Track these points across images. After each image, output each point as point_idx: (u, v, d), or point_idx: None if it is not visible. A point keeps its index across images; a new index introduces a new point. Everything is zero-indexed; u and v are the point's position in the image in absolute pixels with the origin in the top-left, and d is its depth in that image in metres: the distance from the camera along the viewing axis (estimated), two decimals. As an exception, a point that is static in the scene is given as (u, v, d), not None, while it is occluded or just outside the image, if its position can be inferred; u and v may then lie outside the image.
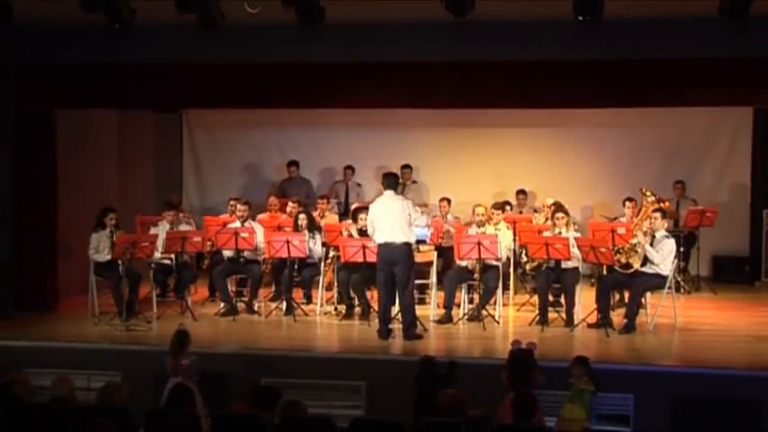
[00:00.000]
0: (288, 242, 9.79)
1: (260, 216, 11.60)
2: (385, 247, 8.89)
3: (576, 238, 9.67)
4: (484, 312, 9.64)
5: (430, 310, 10.00)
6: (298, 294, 10.46)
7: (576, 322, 9.45)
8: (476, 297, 9.89)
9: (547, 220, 10.94)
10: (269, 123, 13.67)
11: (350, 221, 10.59)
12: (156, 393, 7.25)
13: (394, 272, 8.88)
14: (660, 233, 9.34)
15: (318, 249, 10.30)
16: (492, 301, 9.77)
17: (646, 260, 9.31)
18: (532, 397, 6.37)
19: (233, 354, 8.40)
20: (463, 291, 9.95)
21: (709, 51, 9.19)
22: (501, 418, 6.55)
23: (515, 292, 10.94)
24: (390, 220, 8.87)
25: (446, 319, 9.67)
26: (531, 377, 6.95)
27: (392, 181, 9.19)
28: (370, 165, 13.43)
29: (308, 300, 10.58)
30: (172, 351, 7.42)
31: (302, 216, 10.42)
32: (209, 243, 10.57)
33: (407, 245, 8.92)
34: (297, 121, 13.33)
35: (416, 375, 7.18)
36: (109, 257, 9.75)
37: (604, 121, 12.75)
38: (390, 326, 9.07)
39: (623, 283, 9.65)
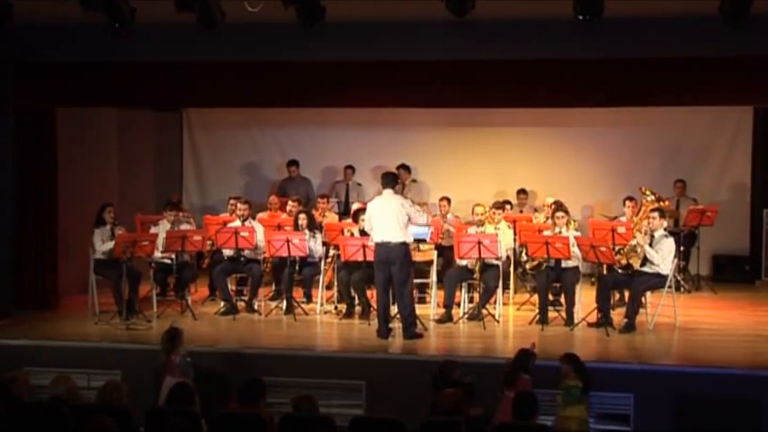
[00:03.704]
0: (288, 241, 9.78)
1: (260, 215, 11.60)
2: (382, 247, 8.87)
3: (576, 238, 9.68)
4: (484, 311, 9.63)
5: (430, 309, 10.00)
6: (298, 293, 10.45)
7: (576, 321, 9.45)
8: (476, 296, 9.89)
9: (547, 219, 10.94)
10: (269, 122, 13.67)
11: (350, 221, 10.59)
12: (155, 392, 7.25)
13: (391, 271, 8.87)
14: (659, 232, 9.34)
15: (319, 248, 10.30)
16: (492, 300, 9.77)
17: (646, 260, 9.31)
18: (533, 396, 6.38)
19: (232, 352, 8.40)
20: (463, 290, 9.94)
21: (710, 51, 9.17)
22: (501, 416, 6.56)
23: (515, 292, 10.94)
24: (387, 220, 8.83)
25: (446, 318, 9.67)
26: (517, 378, 6.95)
27: (390, 180, 9.15)
28: (371, 164, 13.41)
29: (308, 299, 10.58)
30: (164, 349, 7.43)
31: (302, 216, 10.42)
32: (209, 242, 10.56)
33: (404, 244, 8.89)
34: (297, 120, 13.33)
35: (434, 377, 7.12)
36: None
37: (604, 120, 12.75)
38: (390, 325, 9.07)
39: (623, 283, 9.65)
